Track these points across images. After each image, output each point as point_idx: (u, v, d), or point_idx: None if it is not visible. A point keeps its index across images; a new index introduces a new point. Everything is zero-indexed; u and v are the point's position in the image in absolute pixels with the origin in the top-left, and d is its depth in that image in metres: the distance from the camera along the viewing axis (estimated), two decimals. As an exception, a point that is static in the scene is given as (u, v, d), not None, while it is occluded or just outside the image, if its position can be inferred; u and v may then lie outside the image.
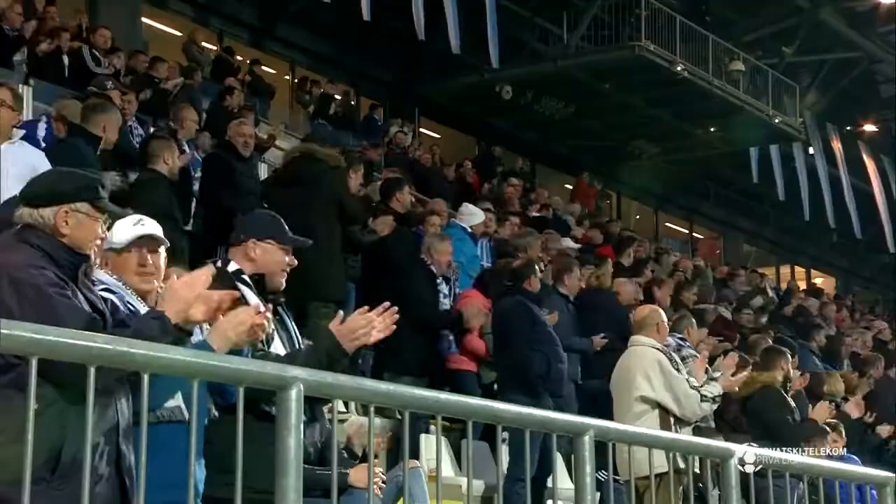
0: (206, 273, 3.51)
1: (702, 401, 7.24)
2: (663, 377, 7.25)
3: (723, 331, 12.69)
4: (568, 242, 14.02)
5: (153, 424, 3.62)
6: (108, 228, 3.90)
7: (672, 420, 7.21)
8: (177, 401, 3.78)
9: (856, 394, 10.41)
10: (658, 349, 7.43)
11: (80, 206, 3.54)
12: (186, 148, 9.57)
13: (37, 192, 3.58)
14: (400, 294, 8.43)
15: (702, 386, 7.37)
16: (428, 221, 10.46)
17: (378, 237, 9.11)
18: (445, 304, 9.34)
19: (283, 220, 4.61)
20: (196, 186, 9.25)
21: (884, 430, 10.25)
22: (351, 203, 8.48)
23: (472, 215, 11.24)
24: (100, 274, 3.90)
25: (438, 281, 9.19)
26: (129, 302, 3.85)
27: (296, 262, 4.52)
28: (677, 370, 7.39)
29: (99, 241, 3.62)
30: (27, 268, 3.35)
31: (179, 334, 3.39)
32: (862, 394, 10.94)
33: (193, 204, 9.15)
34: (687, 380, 7.35)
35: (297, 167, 8.45)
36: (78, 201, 3.54)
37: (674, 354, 7.60)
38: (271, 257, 4.44)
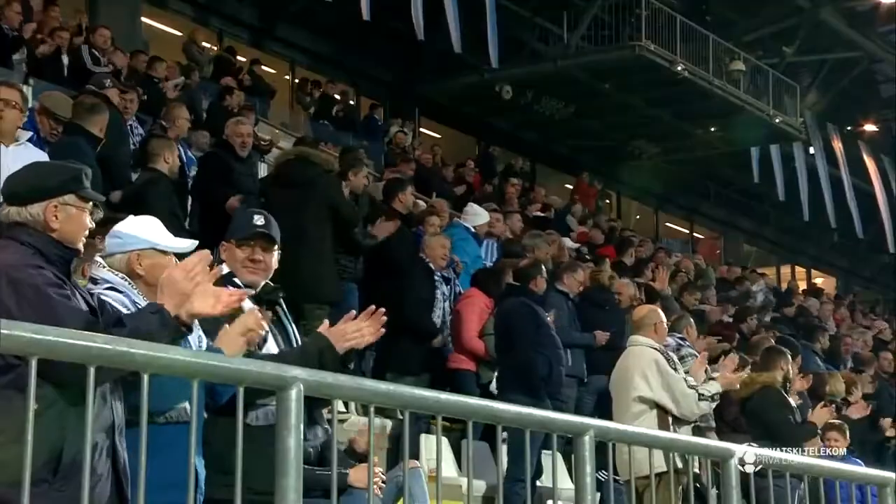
0: (199, 258, 3.47)
1: (700, 399, 7.26)
2: (661, 377, 7.26)
3: (722, 331, 12.69)
4: (567, 242, 14.04)
5: (160, 425, 3.63)
6: (104, 222, 3.89)
7: (670, 420, 7.23)
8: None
9: (853, 393, 10.39)
10: (655, 349, 7.44)
11: (67, 199, 3.51)
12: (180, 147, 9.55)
13: (22, 190, 3.52)
14: (399, 294, 8.47)
15: (700, 385, 7.39)
16: (427, 221, 10.46)
17: (378, 240, 9.11)
18: (444, 305, 9.30)
19: (251, 217, 4.51)
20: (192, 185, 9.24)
21: (886, 423, 10.23)
22: (345, 206, 8.48)
23: (477, 215, 11.26)
24: (103, 272, 3.88)
25: (437, 278, 9.17)
26: (135, 301, 3.82)
27: (262, 255, 4.41)
28: (675, 370, 7.40)
29: (87, 232, 3.59)
30: (25, 267, 3.33)
31: (179, 328, 3.36)
32: (862, 393, 10.92)
33: (189, 202, 9.15)
34: (684, 379, 7.37)
35: (290, 170, 8.45)
36: (65, 194, 3.51)
37: (671, 354, 7.62)
38: (231, 256, 4.40)
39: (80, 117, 7.48)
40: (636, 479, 6.30)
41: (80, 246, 3.56)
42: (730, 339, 12.18)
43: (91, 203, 3.59)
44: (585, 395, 9.76)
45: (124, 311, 3.69)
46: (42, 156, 6.45)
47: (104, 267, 3.90)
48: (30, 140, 6.70)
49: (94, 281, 3.87)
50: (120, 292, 3.82)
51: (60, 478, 3.19)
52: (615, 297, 10.66)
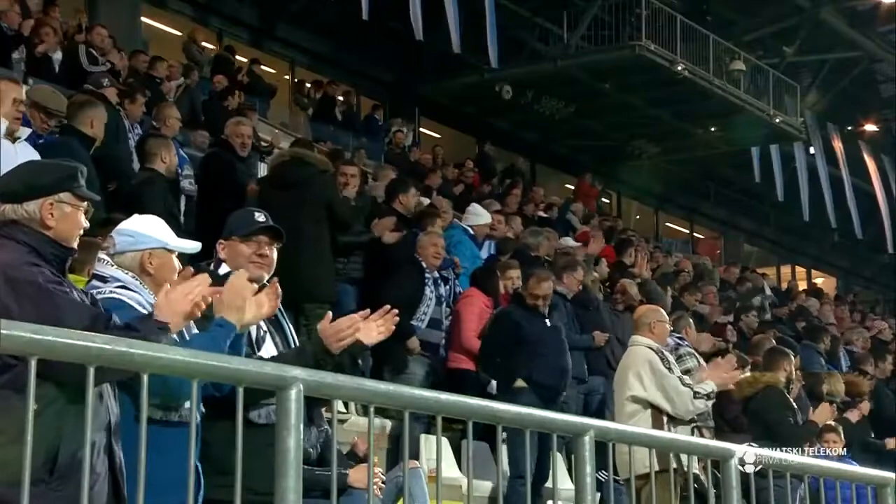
0: (198, 282, 3.51)
1: (695, 397, 7.20)
2: (654, 376, 7.25)
3: (720, 331, 12.70)
4: (569, 241, 14.06)
5: (175, 425, 3.64)
6: (103, 222, 3.88)
7: (665, 419, 7.19)
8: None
9: (863, 396, 10.29)
10: (651, 348, 7.42)
11: (63, 197, 3.50)
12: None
13: (18, 187, 3.52)
14: (388, 293, 8.47)
15: (696, 383, 7.35)
16: (427, 222, 10.43)
17: (371, 236, 9.11)
18: (433, 305, 9.19)
19: (252, 214, 4.53)
20: (183, 184, 9.22)
21: (891, 443, 10.19)
22: (340, 206, 8.46)
23: (478, 216, 11.26)
24: (111, 270, 3.89)
25: (428, 277, 9.05)
26: (148, 300, 3.84)
27: (268, 250, 4.41)
28: (669, 369, 7.35)
29: (82, 231, 3.58)
30: (22, 265, 3.32)
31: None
32: (869, 392, 10.85)
33: (183, 202, 9.13)
34: (680, 378, 7.32)
35: (285, 171, 8.46)
36: (60, 192, 3.50)
37: (666, 353, 7.55)
38: (236, 253, 4.39)
39: (72, 117, 7.46)
40: (636, 476, 6.32)
41: (75, 245, 3.56)
42: (727, 338, 12.22)
43: (86, 202, 3.59)
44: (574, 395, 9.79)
45: (141, 309, 3.71)
46: (35, 154, 6.45)
47: (111, 265, 3.90)
48: (28, 137, 6.72)
49: (103, 279, 3.86)
50: (132, 291, 3.83)
51: (57, 478, 3.18)
52: (597, 297, 10.71)
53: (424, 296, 8.95)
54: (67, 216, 3.50)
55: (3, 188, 3.55)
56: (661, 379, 7.24)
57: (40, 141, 7.02)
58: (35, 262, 3.36)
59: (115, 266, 3.90)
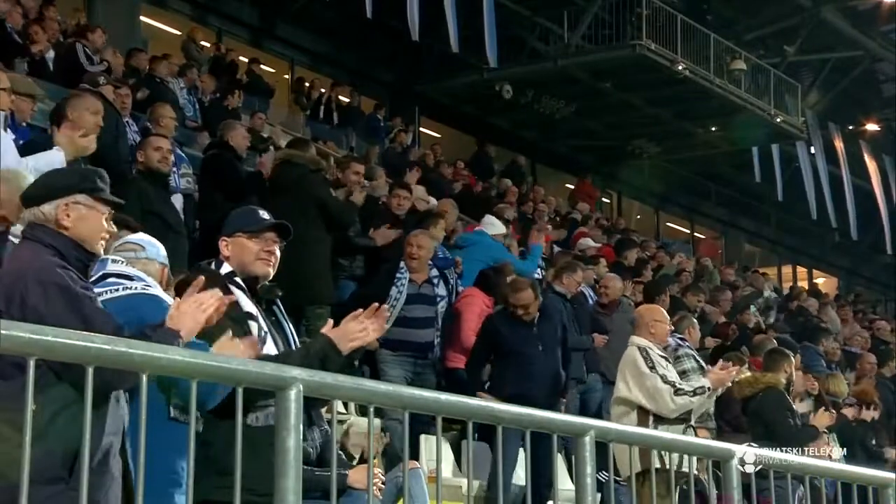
0: (212, 296, 3.55)
1: (677, 394, 7.09)
2: (636, 376, 7.20)
3: (721, 331, 12.71)
4: (590, 242, 14.14)
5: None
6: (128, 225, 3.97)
7: (650, 419, 7.11)
8: None
9: (873, 403, 10.23)
10: (639, 348, 7.36)
11: (79, 198, 3.52)
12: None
13: (37, 191, 3.57)
14: (355, 292, 8.46)
15: (682, 381, 7.27)
16: (429, 222, 10.41)
17: (371, 242, 9.09)
18: (396, 304, 9.01)
19: (256, 212, 4.51)
20: (181, 183, 9.21)
21: (891, 453, 10.17)
22: (333, 204, 8.41)
23: (493, 226, 11.28)
24: (136, 271, 4.01)
25: (398, 276, 8.86)
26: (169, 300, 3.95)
27: (275, 247, 4.38)
28: (652, 367, 7.21)
29: (106, 236, 3.61)
30: (53, 269, 3.33)
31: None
32: (875, 396, 10.82)
33: (181, 201, 9.12)
34: (663, 375, 7.19)
35: (278, 173, 8.45)
36: (76, 193, 3.52)
37: (655, 351, 7.38)
38: (242, 249, 4.36)
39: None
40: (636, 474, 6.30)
41: (98, 249, 3.58)
42: (726, 337, 12.22)
43: (108, 206, 3.60)
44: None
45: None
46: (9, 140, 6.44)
47: (128, 265, 4.02)
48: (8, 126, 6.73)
49: (128, 278, 3.92)
50: (157, 289, 4.02)
51: (76, 478, 3.17)
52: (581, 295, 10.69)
53: (389, 296, 8.52)
54: (84, 218, 3.51)
55: (24, 194, 3.62)
56: (641, 378, 7.19)
57: (24, 127, 7.02)
58: (63, 265, 3.37)
59: (126, 264, 4.06)
